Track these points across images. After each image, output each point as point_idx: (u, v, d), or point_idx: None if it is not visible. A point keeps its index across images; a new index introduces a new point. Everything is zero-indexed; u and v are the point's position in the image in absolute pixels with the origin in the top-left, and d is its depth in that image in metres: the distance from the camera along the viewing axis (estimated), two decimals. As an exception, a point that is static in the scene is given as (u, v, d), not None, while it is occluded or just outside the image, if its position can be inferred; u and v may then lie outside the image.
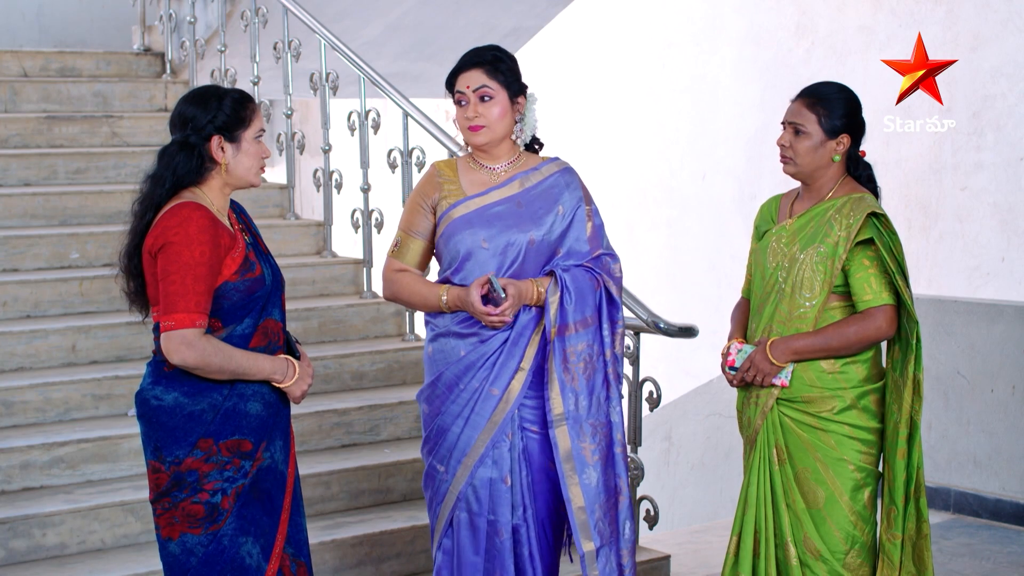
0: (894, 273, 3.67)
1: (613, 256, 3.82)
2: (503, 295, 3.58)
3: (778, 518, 3.81)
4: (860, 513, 3.75)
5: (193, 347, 3.28)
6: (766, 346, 3.76)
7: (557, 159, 3.86)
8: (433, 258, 3.89)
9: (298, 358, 3.54)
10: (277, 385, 3.43)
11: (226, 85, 6.79)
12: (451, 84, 3.76)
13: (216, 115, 3.39)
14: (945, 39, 7.91)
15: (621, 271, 3.84)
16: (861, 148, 3.82)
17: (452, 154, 5.16)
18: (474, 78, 3.72)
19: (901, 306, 3.71)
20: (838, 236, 3.70)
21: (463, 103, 3.73)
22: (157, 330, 3.38)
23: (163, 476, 3.35)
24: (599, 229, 3.82)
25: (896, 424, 3.72)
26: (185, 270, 3.27)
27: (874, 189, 3.84)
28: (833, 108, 3.75)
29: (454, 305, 3.68)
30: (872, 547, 3.81)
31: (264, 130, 3.51)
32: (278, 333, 3.50)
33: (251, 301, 3.41)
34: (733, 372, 3.85)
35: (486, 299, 3.61)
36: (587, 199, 3.82)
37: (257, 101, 6.59)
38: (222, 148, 3.40)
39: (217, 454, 3.35)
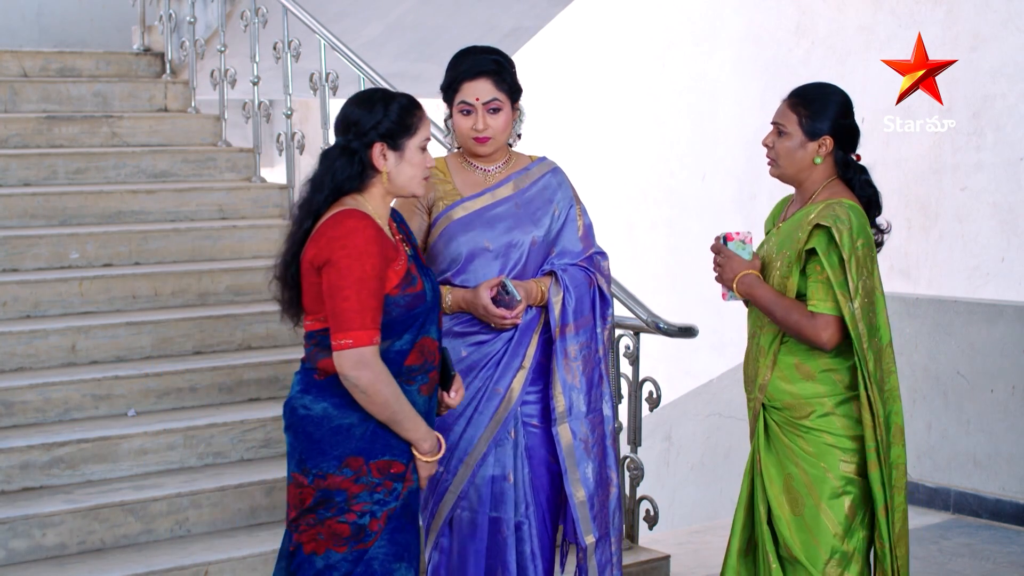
0: (836, 285, 3.55)
1: (603, 254, 3.86)
2: (518, 298, 3.59)
3: (771, 522, 3.77)
4: (840, 522, 3.65)
5: (370, 367, 3.14)
6: (739, 274, 3.70)
7: (545, 159, 3.87)
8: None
9: (452, 379, 3.41)
10: (417, 454, 3.27)
11: (226, 85, 6.81)
12: (453, 89, 3.71)
13: (381, 121, 3.26)
14: (945, 39, 7.91)
15: (609, 268, 3.87)
16: (858, 151, 3.73)
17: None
18: (483, 90, 3.67)
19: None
20: (800, 244, 3.64)
21: (468, 112, 3.70)
22: (311, 338, 3.26)
23: (307, 491, 3.21)
24: (589, 228, 3.85)
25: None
26: (359, 285, 3.13)
27: (871, 194, 3.72)
28: (816, 109, 3.66)
29: (458, 307, 3.68)
30: (853, 557, 3.69)
31: (430, 138, 3.36)
32: (434, 353, 3.33)
33: (411, 317, 3.25)
34: (723, 243, 3.76)
35: (495, 301, 3.61)
36: (576, 198, 3.84)
37: (256, 102, 6.63)
38: (384, 156, 3.27)
39: (367, 475, 3.20)
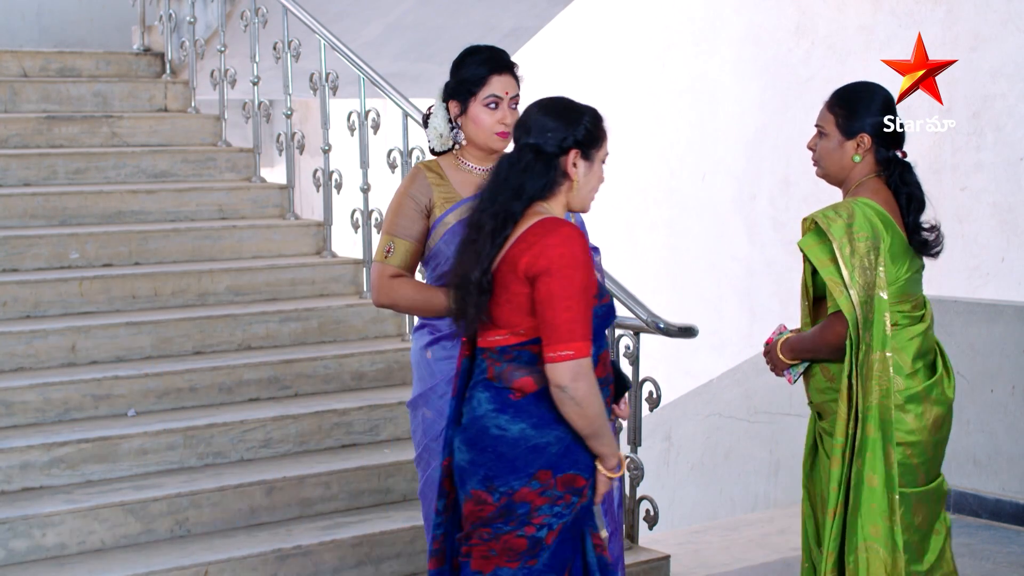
0: (827, 274, 3.57)
1: (596, 250, 3.89)
2: None
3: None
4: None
5: (587, 379, 3.07)
6: (777, 347, 3.76)
7: None
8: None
9: (625, 391, 3.39)
10: (601, 469, 3.20)
11: (226, 85, 6.81)
12: (479, 84, 3.70)
13: (577, 128, 3.18)
14: (945, 39, 7.91)
15: (601, 263, 3.92)
16: (902, 149, 3.72)
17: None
18: (510, 84, 3.72)
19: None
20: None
21: (496, 107, 3.70)
22: (505, 354, 3.17)
23: (489, 507, 3.14)
24: (582, 224, 3.87)
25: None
26: (579, 295, 3.06)
27: (909, 191, 3.70)
28: (852, 108, 3.68)
29: None
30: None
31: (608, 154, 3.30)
32: (608, 365, 3.28)
33: (601, 329, 3.20)
34: (767, 348, 3.87)
35: None
36: None
37: (256, 102, 6.63)
38: (575, 164, 3.19)
39: (553, 488, 3.14)
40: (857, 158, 3.69)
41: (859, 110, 3.68)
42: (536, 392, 3.14)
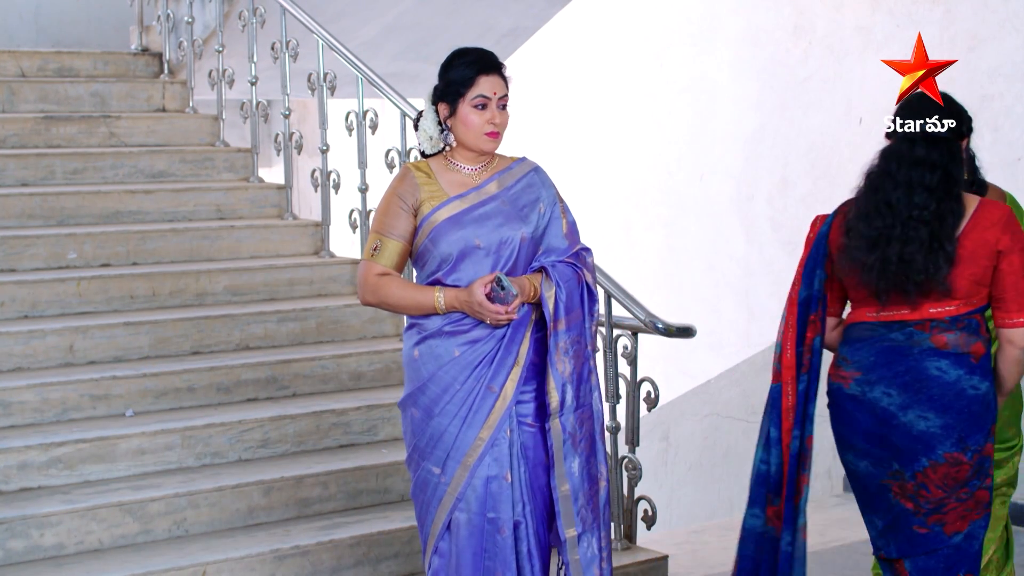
0: None
1: (588, 250, 3.91)
2: (514, 292, 3.60)
3: None
4: None
5: None
6: None
7: (525, 159, 3.90)
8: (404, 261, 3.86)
9: None
10: None
11: (224, 85, 6.80)
12: (467, 84, 3.71)
13: (967, 116, 3.64)
14: (943, 39, 7.90)
15: (593, 262, 3.92)
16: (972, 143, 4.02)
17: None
18: (498, 85, 3.73)
19: None
20: None
21: (484, 107, 3.71)
22: (956, 323, 3.52)
23: (964, 467, 3.50)
24: (573, 225, 3.89)
25: None
26: None
27: (972, 179, 4.04)
28: None
29: (451, 306, 3.67)
30: None
31: None
32: None
33: None
34: None
35: (489, 298, 3.62)
36: (558, 197, 3.88)
37: (254, 102, 6.63)
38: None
39: (994, 438, 3.59)
40: None
41: None
42: (985, 355, 3.53)
